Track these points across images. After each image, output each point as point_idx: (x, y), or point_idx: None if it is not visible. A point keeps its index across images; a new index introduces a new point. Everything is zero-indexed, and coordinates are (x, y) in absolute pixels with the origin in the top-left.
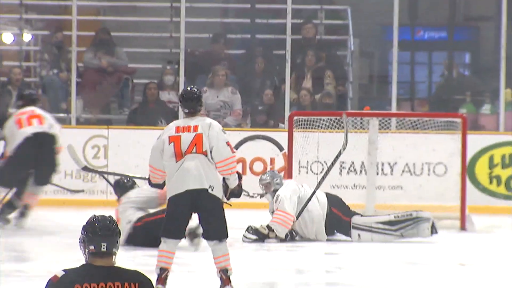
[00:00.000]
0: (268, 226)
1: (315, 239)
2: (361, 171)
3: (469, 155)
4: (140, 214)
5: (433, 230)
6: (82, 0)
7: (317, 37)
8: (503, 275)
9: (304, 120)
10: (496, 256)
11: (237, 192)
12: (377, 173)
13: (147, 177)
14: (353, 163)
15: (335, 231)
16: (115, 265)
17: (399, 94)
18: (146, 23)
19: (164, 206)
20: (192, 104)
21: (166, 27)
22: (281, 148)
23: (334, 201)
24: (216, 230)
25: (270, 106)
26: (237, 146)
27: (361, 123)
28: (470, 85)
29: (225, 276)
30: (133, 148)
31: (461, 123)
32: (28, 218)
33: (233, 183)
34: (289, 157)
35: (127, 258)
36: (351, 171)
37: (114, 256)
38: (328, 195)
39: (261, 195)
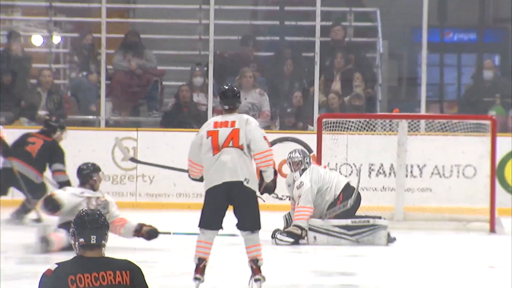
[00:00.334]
0: (298, 226)
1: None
2: (390, 174)
3: (498, 157)
4: None
5: (389, 238)
6: (111, 2)
7: (346, 39)
8: None
9: (333, 122)
10: None
11: (270, 187)
12: (406, 175)
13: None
14: (382, 165)
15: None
16: (105, 256)
17: (428, 96)
18: (175, 25)
19: None
20: (231, 100)
21: (195, 29)
22: (310, 150)
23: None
24: (249, 221)
25: (299, 108)
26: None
27: (390, 125)
28: (500, 87)
29: (255, 265)
30: (162, 150)
31: (491, 125)
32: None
33: (269, 176)
34: (317, 159)
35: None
36: (380, 173)
37: (103, 248)
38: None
39: (289, 197)
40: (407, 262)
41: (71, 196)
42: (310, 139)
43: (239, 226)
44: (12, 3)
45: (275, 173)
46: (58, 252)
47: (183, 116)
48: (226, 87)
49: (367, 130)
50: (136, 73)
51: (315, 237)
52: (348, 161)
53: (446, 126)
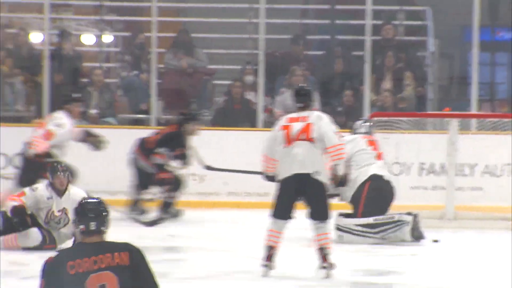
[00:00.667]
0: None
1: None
2: (440, 172)
3: None
4: None
5: (417, 234)
6: (162, 1)
7: (396, 38)
8: None
9: (384, 121)
10: None
11: (343, 180)
12: (457, 174)
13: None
14: (433, 164)
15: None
16: (105, 241)
17: (479, 95)
18: (226, 24)
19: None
20: (304, 98)
21: (246, 28)
22: None
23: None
24: (319, 212)
25: (349, 107)
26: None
27: (441, 124)
28: None
29: (323, 254)
30: (213, 149)
31: None
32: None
33: (341, 169)
34: None
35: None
36: (430, 172)
37: (104, 234)
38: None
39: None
40: (457, 261)
41: (37, 200)
42: None
43: (310, 216)
44: (64, 2)
45: (347, 168)
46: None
47: (235, 114)
48: (301, 86)
49: (417, 129)
50: (187, 72)
51: (340, 236)
52: (398, 160)
53: (497, 125)
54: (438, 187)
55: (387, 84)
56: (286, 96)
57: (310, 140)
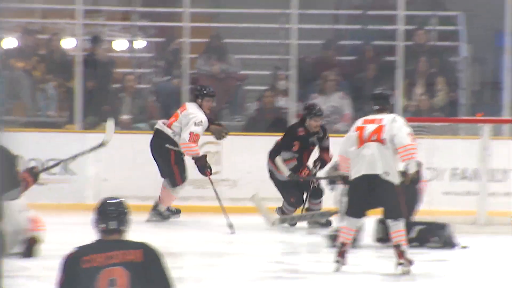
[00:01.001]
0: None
1: None
2: (473, 178)
3: None
4: None
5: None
6: (195, 7)
7: (429, 43)
8: None
9: (416, 126)
10: None
11: (414, 179)
12: (490, 180)
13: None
14: (465, 169)
15: None
16: (123, 239)
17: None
18: (258, 29)
19: None
20: (380, 101)
21: (278, 33)
22: None
23: None
24: (390, 211)
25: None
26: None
27: (473, 129)
28: None
29: (398, 251)
30: (246, 155)
31: None
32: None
33: (411, 168)
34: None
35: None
36: (463, 178)
37: (123, 233)
38: None
39: None
40: (489, 267)
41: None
42: None
43: (384, 215)
44: (96, 8)
45: (420, 165)
46: None
47: (266, 121)
48: (378, 89)
49: (450, 134)
50: (219, 77)
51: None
52: (431, 165)
53: None
54: (471, 193)
55: (419, 89)
56: (318, 102)
57: (381, 141)
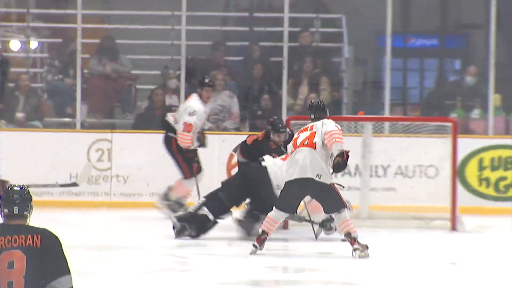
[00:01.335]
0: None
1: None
2: (355, 174)
3: (460, 158)
4: None
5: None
6: (87, 9)
7: (313, 45)
8: (493, 274)
9: (301, 124)
10: (486, 255)
11: (339, 164)
12: (371, 175)
13: None
14: (348, 165)
15: None
16: (27, 224)
17: (392, 99)
18: (149, 31)
19: None
20: (318, 111)
21: (168, 34)
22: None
23: None
24: (331, 206)
25: (268, 111)
26: (236, 150)
27: (355, 127)
28: (461, 90)
29: (349, 238)
30: (136, 152)
31: (452, 127)
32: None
33: (335, 151)
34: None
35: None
36: (345, 173)
37: (27, 218)
38: None
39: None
40: (372, 259)
41: None
42: None
43: (326, 211)
44: None
45: (347, 156)
46: None
47: (156, 118)
48: (315, 101)
49: None
50: (111, 77)
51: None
52: None
53: (409, 128)
54: (353, 188)
55: (304, 89)
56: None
57: (313, 146)
